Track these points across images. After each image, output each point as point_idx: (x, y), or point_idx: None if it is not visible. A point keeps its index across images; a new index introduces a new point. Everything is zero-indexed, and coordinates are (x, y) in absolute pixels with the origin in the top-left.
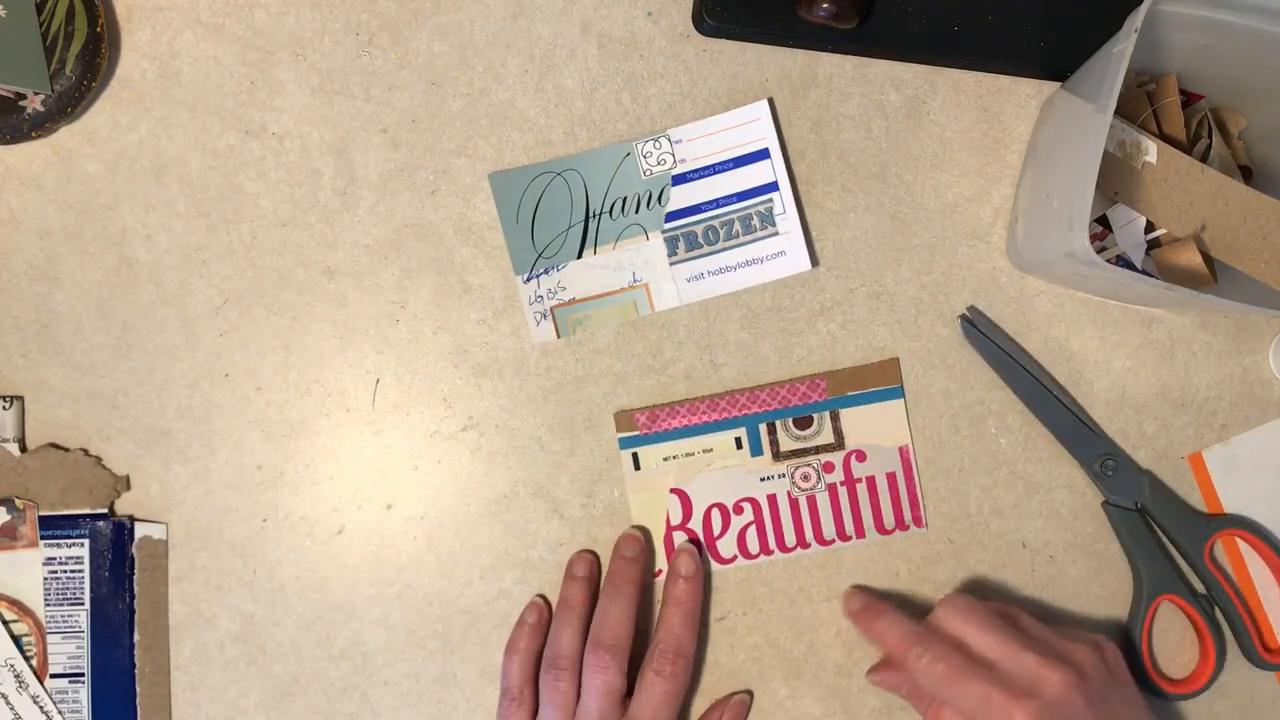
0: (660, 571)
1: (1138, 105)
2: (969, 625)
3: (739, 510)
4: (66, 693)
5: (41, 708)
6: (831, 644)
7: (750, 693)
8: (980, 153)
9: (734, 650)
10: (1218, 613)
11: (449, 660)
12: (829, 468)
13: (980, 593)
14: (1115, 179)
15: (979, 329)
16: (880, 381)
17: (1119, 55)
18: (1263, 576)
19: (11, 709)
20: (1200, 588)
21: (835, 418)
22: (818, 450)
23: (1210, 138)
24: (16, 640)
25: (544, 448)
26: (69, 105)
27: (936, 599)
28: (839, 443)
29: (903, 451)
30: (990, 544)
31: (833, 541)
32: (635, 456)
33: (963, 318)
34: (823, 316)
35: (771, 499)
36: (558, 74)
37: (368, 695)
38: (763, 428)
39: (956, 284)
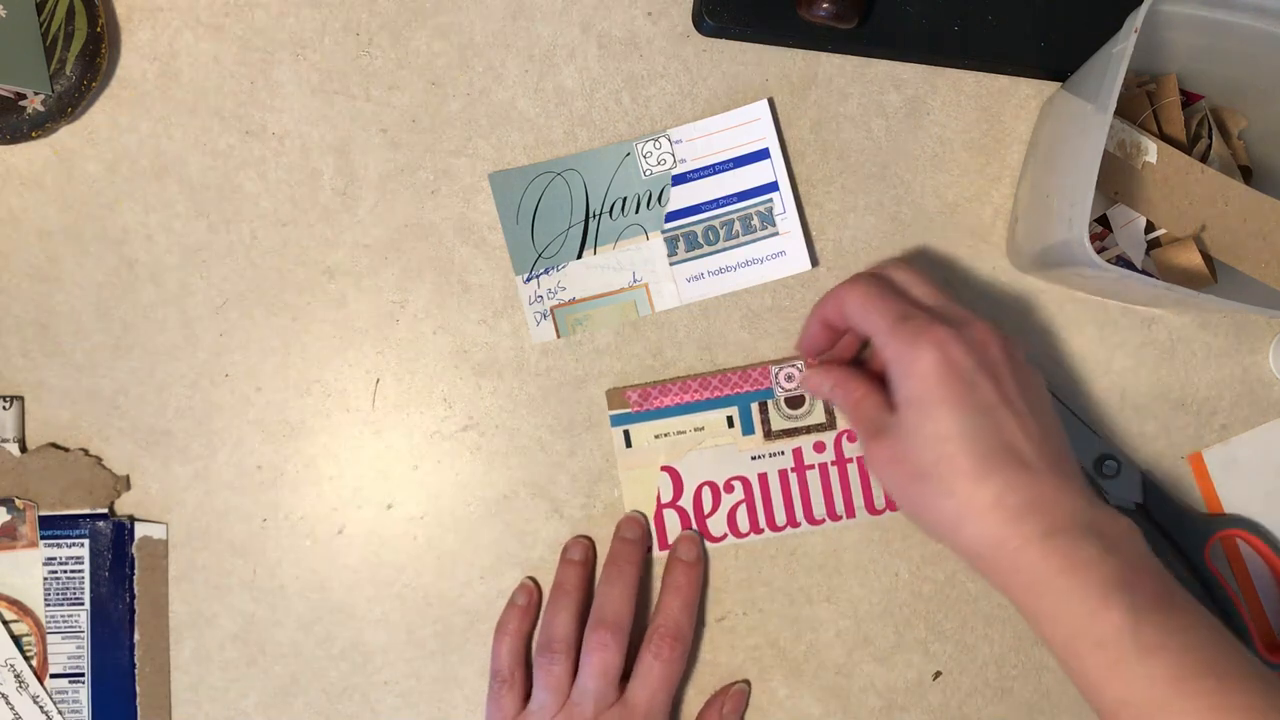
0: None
1: (1138, 105)
2: (911, 276)
3: (729, 489)
4: (66, 693)
5: (41, 708)
6: (831, 644)
7: (748, 682)
8: (980, 153)
9: (734, 650)
10: (1218, 613)
11: (449, 660)
12: (820, 447)
13: (979, 589)
14: (1115, 179)
15: None
16: None
17: (1119, 55)
18: (1263, 576)
19: (11, 709)
20: (1200, 588)
21: None
22: (809, 430)
23: (1210, 138)
24: (16, 640)
25: (544, 448)
26: (69, 105)
27: (937, 599)
28: (830, 423)
29: None
30: None
31: (823, 521)
32: (626, 434)
33: None
34: None
35: (762, 478)
36: (558, 74)
37: (368, 695)
38: (754, 407)
39: (957, 284)
